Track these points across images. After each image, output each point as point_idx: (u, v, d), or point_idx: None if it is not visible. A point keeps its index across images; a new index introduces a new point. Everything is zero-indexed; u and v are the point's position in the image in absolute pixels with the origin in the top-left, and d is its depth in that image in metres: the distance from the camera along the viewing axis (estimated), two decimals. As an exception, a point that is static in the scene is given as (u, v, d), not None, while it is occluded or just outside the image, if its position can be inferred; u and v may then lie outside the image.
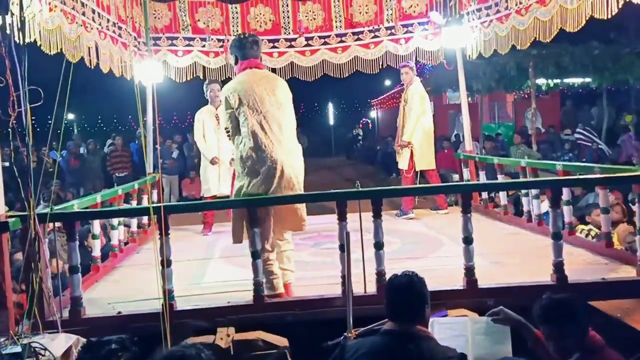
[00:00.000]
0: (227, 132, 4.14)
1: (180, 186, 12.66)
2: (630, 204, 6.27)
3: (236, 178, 4.18)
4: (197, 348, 1.94)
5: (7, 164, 3.82)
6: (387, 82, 29.74)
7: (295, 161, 4.07)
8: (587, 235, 5.44)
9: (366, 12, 7.30)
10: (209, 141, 6.89)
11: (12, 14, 3.58)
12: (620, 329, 3.66)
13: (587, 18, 4.78)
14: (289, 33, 7.34)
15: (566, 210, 5.11)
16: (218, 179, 6.83)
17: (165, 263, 3.82)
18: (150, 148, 7.30)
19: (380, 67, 7.47)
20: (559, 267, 3.96)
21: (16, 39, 3.60)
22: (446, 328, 2.96)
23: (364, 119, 34.46)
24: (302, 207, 4.10)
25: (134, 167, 12.23)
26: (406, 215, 7.02)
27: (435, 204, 7.26)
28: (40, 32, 4.22)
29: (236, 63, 4.21)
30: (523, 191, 6.06)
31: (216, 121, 6.83)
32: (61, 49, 4.67)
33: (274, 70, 7.41)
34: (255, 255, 3.87)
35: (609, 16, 4.50)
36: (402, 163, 7.14)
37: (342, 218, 3.87)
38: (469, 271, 3.96)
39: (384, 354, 2.46)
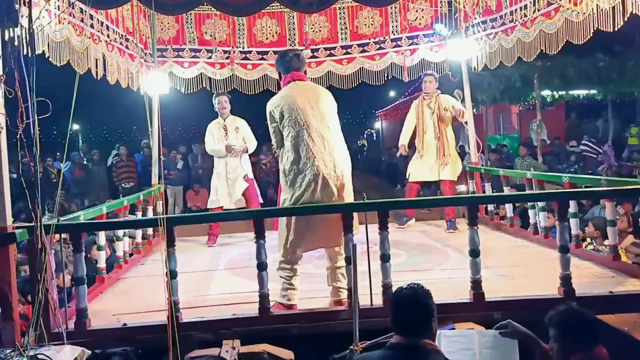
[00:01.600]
0: (273, 146, 4.17)
1: (184, 197, 12.66)
2: (638, 217, 6.27)
3: (282, 191, 4.18)
4: (207, 358, 1.94)
5: (14, 175, 3.82)
6: (392, 93, 29.79)
7: (339, 172, 4.03)
8: (586, 247, 5.44)
9: (371, 24, 7.34)
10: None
11: (22, 27, 3.61)
12: (627, 342, 3.62)
13: (592, 31, 4.80)
14: (295, 45, 7.37)
15: (573, 222, 5.08)
16: (226, 191, 6.79)
17: (171, 275, 3.81)
18: (155, 159, 7.31)
19: (386, 78, 7.49)
20: (566, 280, 3.93)
21: (25, 51, 3.63)
22: (453, 341, 2.93)
23: (368, 130, 34.48)
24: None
25: (139, 178, 12.25)
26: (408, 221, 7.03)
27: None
28: (49, 44, 4.26)
29: (280, 79, 4.27)
30: (529, 203, 6.03)
31: (225, 132, 6.86)
32: (69, 61, 4.71)
33: (279, 81, 7.44)
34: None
35: (615, 29, 4.52)
36: (453, 173, 6.96)
37: (348, 230, 3.86)
38: (476, 284, 3.93)
39: None
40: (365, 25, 7.35)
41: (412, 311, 2.52)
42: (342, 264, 4.01)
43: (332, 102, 4.18)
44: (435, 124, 6.94)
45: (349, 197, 4.11)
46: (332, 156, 4.01)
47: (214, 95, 7.01)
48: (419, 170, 7.06)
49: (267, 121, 4.13)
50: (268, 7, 6.35)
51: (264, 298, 3.87)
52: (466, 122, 7.16)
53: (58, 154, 10.67)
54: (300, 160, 3.94)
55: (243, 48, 7.36)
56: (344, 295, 3.99)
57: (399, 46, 7.32)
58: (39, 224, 3.55)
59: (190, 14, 7.13)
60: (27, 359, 3.15)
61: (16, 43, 3.58)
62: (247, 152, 6.93)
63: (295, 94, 4.04)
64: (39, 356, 3.19)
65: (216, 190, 6.87)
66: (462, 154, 13.28)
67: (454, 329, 3.44)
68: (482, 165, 8.61)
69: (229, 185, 6.82)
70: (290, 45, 7.37)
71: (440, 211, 7.29)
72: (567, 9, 4.97)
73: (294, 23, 7.38)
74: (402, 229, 6.94)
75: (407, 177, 7.20)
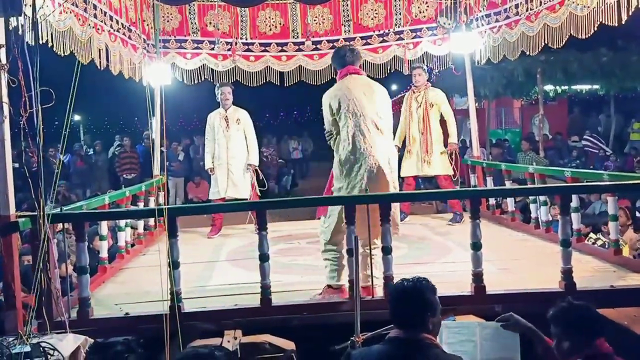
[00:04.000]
0: (329, 136, 4.18)
1: (185, 189, 12.68)
2: (638, 212, 6.28)
3: (335, 180, 4.17)
4: (210, 348, 1.96)
5: (16, 165, 3.82)
6: (394, 87, 29.69)
7: (392, 163, 4.17)
8: (593, 243, 5.43)
9: (375, 17, 7.31)
10: (219, 145, 6.82)
11: (25, 16, 3.60)
12: (628, 337, 3.63)
13: (597, 25, 4.78)
14: (298, 37, 7.35)
15: (575, 217, 5.08)
16: (226, 183, 6.75)
17: (173, 265, 3.83)
18: (157, 150, 7.31)
19: (388, 71, 7.47)
20: (567, 274, 3.94)
21: (28, 40, 3.63)
22: (455, 332, 2.94)
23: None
24: (394, 212, 4.09)
25: (141, 169, 12.26)
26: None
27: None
28: (52, 33, 4.25)
29: (337, 73, 4.34)
30: (531, 198, 6.03)
31: (226, 124, 6.80)
32: (72, 51, 4.70)
33: (282, 73, 7.44)
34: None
35: (620, 23, 4.50)
36: (443, 169, 6.89)
37: (350, 222, 3.87)
38: (477, 277, 3.94)
39: None
40: (369, 17, 7.32)
41: (410, 304, 2.50)
42: (374, 252, 4.05)
43: (387, 96, 4.29)
44: (421, 118, 6.94)
45: (396, 189, 4.23)
46: (386, 148, 4.12)
47: (217, 86, 6.98)
48: (408, 165, 7.04)
49: (324, 112, 4.17)
50: (271, -1, 6.35)
51: (266, 289, 3.89)
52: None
53: (58, 145, 10.67)
54: (357, 151, 3.99)
55: (246, 39, 7.34)
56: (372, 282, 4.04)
57: (402, 39, 7.30)
58: (41, 212, 3.55)
59: (193, 4, 7.11)
60: (30, 347, 3.17)
61: (20, 32, 3.58)
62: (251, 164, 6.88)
63: (351, 86, 4.12)
64: (42, 344, 3.21)
65: (216, 182, 6.83)
66: (463, 148, 13.31)
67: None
68: (484, 160, 8.61)
69: (230, 176, 6.76)
70: (294, 37, 7.35)
71: (437, 206, 7.31)
72: (572, 2, 4.95)
73: (296, 15, 7.35)
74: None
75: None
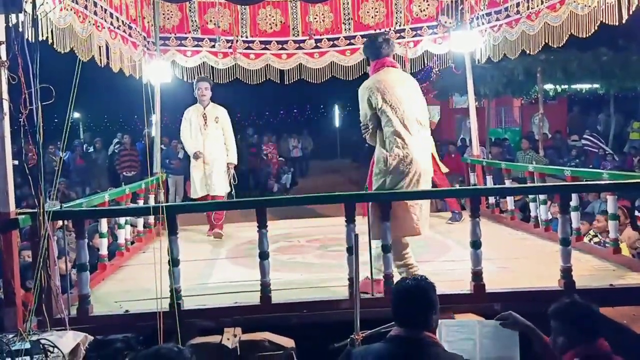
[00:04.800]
0: (365, 129, 4.10)
1: (185, 187, 12.68)
2: (638, 211, 6.28)
3: (374, 175, 4.09)
4: (178, 347, 1.97)
5: (16, 162, 3.82)
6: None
7: (428, 159, 4.16)
8: (590, 240, 5.45)
9: (375, 15, 7.31)
10: (195, 141, 6.63)
11: (26, 12, 3.60)
12: (627, 336, 3.64)
13: (597, 24, 4.78)
14: (298, 35, 7.35)
15: (574, 216, 5.09)
16: (203, 180, 6.58)
17: (173, 262, 3.83)
18: (156, 148, 7.31)
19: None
20: (566, 272, 3.95)
21: (28, 37, 3.63)
22: (454, 331, 2.94)
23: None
24: (418, 211, 4.04)
25: (141, 167, 12.27)
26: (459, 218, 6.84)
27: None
28: (52, 30, 4.25)
29: (368, 63, 4.26)
30: (531, 196, 6.04)
31: (203, 120, 6.58)
32: (72, 48, 4.70)
33: (281, 71, 7.44)
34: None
35: (620, 22, 4.50)
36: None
37: (350, 220, 3.88)
38: (477, 276, 3.95)
39: None
40: (369, 15, 7.31)
41: (415, 303, 2.51)
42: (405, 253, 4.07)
43: (419, 89, 4.26)
44: None
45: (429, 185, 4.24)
46: (427, 142, 4.13)
47: (195, 80, 6.78)
48: None
49: (361, 105, 4.08)
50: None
51: (265, 287, 3.89)
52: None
53: (58, 143, 10.67)
54: (401, 147, 3.92)
55: (246, 37, 7.33)
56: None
57: (403, 37, 7.29)
58: (41, 210, 3.55)
59: (194, 2, 7.11)
60: (30, 344, 3.17)
61: (20, 29, 3.57)
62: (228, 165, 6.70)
63: (390, 79, 4.04)
64: (42, 341, 3.21)
65: (193, 180, 6.70)
66: (463, 147, 13.31)
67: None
68: (484, 159, 8.61)
69: (206, 175, 6.58)
70: (294, 35, 7.34)
71: (436, 204, 7.31)
72: (573, 1, 4.95)
73: (297, 13, 7.35)
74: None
75: None
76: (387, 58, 4.16)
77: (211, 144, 6.58)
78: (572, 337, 2.58)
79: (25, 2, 3.59)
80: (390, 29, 7.27)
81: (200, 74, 7.34)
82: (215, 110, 6.68)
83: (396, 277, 3.89)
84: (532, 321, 2.91)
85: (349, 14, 7.33)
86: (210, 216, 6.64)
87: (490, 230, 6.10)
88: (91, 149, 14.22)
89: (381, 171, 4.00)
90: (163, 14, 7.09)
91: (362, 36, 7.32)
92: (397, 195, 3.99)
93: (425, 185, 4.06)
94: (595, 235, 5.63)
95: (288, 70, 7.42)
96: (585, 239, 5.48)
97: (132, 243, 6.04)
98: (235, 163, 6.80)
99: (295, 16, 7.34)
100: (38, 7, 3.72)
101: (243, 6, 7.11)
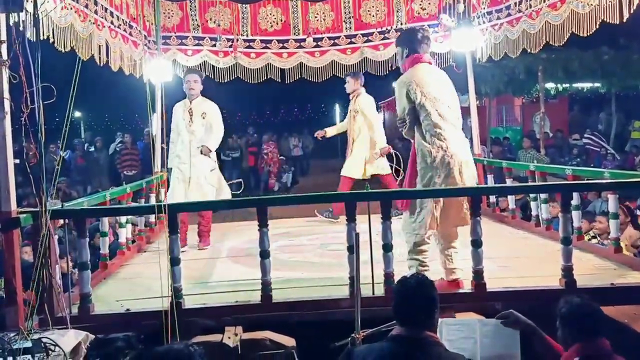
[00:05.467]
0: (401, 124, 4.11)
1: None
2: (639, 210, 6.28)
3: (420, 170, 4.07)
4: (185, 344, 1.94)
5: (18, 160, 3.83)
6: (395, 84, 29.66)
7: (468, 151, 4.18)
8: (590, 239, 5.45)
9: (376, 14, 7.30)
10: (181, 141, 5.89)
11: (27, 11, 3.60)
12: (628, 335, 3.64)
13: (598, 23, 4.77)
14: (299, 34, 7.34)
15: (575, 215, 5.09)
16: (187, 186, 5.79)
17: (173, 261, 3.83)
18: (157, 147, 7.30)
19: (390, 69, 7.46)
20: (567, 271, 3.94)
21: (29, 36, 3.63)
22: (455, 329, 2.94)
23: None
24: (466, 202, 4.07)
25: (142, 166, 12.27)
26: (334, 218, 6.97)
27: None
28: (53, 29, 4.25)
29: (404, 56, 4.21)
30: (532, 195, 6.03)
31: (189, 117, 5.85)
32: (73, 47, 4.70)
33: (282, 70, 7.44)
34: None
35: (621, 21, 4.49)
36: (383, 168, 7.06)
37: (351, 219, 3.88)
38: (478, 274, 3.95)
39: None
40: (370, 14, 7.31)
41: (416, 302, 2.50)
42: (454, 245, 4.11)
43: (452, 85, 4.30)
44: (351, 123, 7.12)
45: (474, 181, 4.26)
46: (463, 137, 4.14)
47: (184, 73, 6.32)
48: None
49: (398, 100, 4.09)
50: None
51: (266, 286, 3.89)
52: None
53: (58, 142, 10.67)
54: (445, 143, 3.95)
55: (247, 36, 7.33)
56: (457, 275, 4.07)
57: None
58: (43, 208, 3.56)
59: (194, 1, 7.11)
60: (31, 342, 3.17)
61: (21, 28, 3.57)
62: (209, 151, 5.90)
63: (429, 75, 4.08)
64: (43, 340, 3.21)
65: (172, 192, 5.85)
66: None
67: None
68: (485, 158, 8.61)
69: (187, 188, 5.81)
70: (294, 34, 7.34)
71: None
72: (574, 0, 4.94)
73: (297, 12, 7.34)
74: (336, 222, 6.83)
75: None
76: (424, 54, 4.17)
77: (197, 143, 5.84)
78: (574, 334, 2.58)
79: (27, 1, 3.59)
80: (391, 28, 7.28)
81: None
82: (203, 104, 5.96)
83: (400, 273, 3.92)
84: (533, 320, 2.91)
85: (349, 12, 7.33)
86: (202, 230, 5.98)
87: (491, 229, 6.09)
88: (92, 149, 14.22)
89: (427, 165, 4.00)
90: (164, 13, 7.10)
91: (363, 35, 7.33)
92: (396, 194, 3.99)
93: (469, 176, 4.08)
94: (594, 237, 5.62)
95: (289, 69, 7.42)
96: (585, 239, 5.47)
97: (133, 242, 6.05)
98: (210, 149, 5.88)
99: (296, 15, 7.34)
100: (39, 6, 3.72)
101: (244, 5, 7.12)
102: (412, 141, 4.12)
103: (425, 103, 3.95)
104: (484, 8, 6.54)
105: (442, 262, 4.14)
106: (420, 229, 4.02)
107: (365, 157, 7.03)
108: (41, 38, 3.82)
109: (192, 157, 5.80)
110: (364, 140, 7.03)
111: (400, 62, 4.27)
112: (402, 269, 3.92)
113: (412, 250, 4.09)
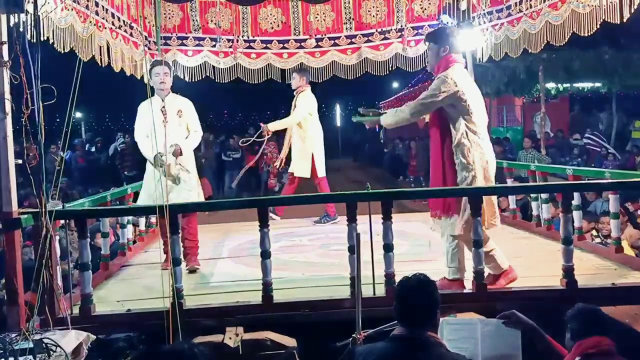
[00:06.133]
0: (420, 111, 4.15)
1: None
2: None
3: (459, 167, 4.09)
4: (190, 344, 1.93)
5: (20, 161, 3.83)
6: (396, 84, 29.77)
7: (492, 153, 4.29)
8: (592, 240, 5.45)
9: (376, 14, 7.30)
10: (156, 142, 4.74)
11: (27, 13, 3.60)
12: (629, 335, 3.64)
13: (599, 23, 4.77)
14: (299, 34, 7.34)
15: (576, 215, 5.09)
16: (161, 189, 4.46)
17: (174, 262, 3.84)
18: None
19: (390, 69, 7.45)
20: (568, 271, 3.94)
21: (30, 37, 3.63)
22: (456, 329, 2.94)
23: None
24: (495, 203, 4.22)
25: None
26: (333, 220, 7.01)
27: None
28: (53, 30, 4.25)
29: (440, 54, 4.18)
30: (532, 195, 6.03)
31: (162, 115, 4.86)
32: (73, 48, 4.70)
33: (282, 71, 7.44)
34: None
35: (622, 21, 4.49)
36: (303, 170, 7.17)
37: (351, 220, 3.88)
38: (478, 275, 3.95)
39: None
40: (370, 14, 7.30)
41: (418, 302, 2.50)
42: (490, 247, 4.15)
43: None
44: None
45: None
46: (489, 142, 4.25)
47: (149, 66, 5.31)
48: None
49: (435, 94, 4.03)
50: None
51: (267, 286, 3.89)
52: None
53: (59, 142, 10.67)
54: (481, 142, 4.08)
55: (247, 37, 7.33)
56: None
57: (404, 36, 7.28)
58: (44, 209, 3.56)
59: (195, 1, 7.10)
60: (32, 343, 3.18)
61: (21, 29, 3.58)
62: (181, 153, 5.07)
63: (467, 76, 4.21)
64: (45, 340, 3.22)
65: (149, 188, 5.14)
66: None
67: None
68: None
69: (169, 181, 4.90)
70: (295, 34, 7.33)
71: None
72: (574, 0, 4.93)
73: (298, 12, 7.33)
74: (337, 222, 6.86)
75: None
76: (458, 54, 4.23)
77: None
78: (579, 333, 2.59)
79: (27, 2, 3.60)
80: (391, 28, 7.28)
81: (202, 73, 7.34)
82: (176, 100, 5.22)
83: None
84: (534, 320, 2.91)
85: (350, 13, 7.32)
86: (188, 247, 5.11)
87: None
88: (93, 149, 14.25)
89: (465, 164, 4.05)
90: (164, 14, 7.09)
91: (363, 35, 7.32)
92: (397, 195, 3.99)
93: (493, 175, 4.20)
94: (598, 236, 5.62)
95: (289, 69, 7.42)
96: (591, 239, 5.47)
97: (135, 242, 6.05)
98: (182, 150, 5.06)
99: (296, 15, 7.33)
100: (39, 7, 3.73)
101: (244, 6, 7.10)
102: (441, 141, 4.12)
103: (470, 103, 4.02)
104: (484, 8, 6.53)
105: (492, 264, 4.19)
106: (459, 228, 4.09)
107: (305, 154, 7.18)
108: (41, 39, 3.83)
109: (169, 159, 4.92)
110: (301, 136, 7.22)
111: (433, 60, 4.25)
112: (403, 269, 3.91)
113: (450, 244, 4.17)
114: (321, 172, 7.20)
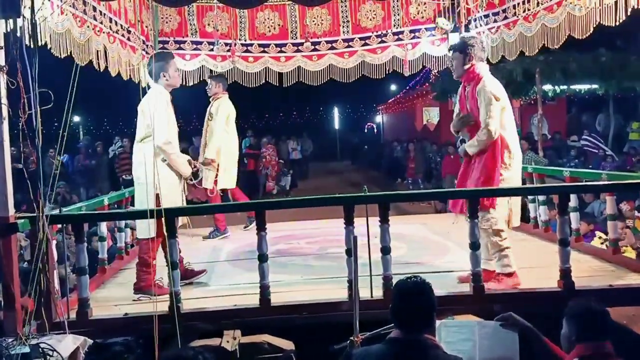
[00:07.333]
0: (466, 123, 4.42)
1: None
2: (637, 211, 6.29)
3: (501, 165, 4.27)
4: (196, 350, 1.93)
5: (20, 165, 3.83)
6: (393, 87, 29.85)
7: None
8: (602, 243, 5.44)
9: (373, 17, 7.32)
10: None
11: (24, 17, 3.61)
12: (626, 336, 3.65)
13: (595, 25, 4.79)
14: (296, 38, 7.36)
15: (573, 217, 5.10)
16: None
17: (172, 265, 3.84)
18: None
19: (387, 72, 7.47)
20: (566, 273, 3.95)
21: (27, 42, 3.64)
22: (454, 331, 2.95)
23: (369, 124, 34.48)
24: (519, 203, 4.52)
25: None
26: (224, 234, 6.76)
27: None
28: (50, 35, 4.25)
29: (468, 62, 4.39)
30: (530, 197, 6.04)
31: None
32: (70, 52, 4.70)
33: (280, 74, 7.45)
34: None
35: (617, 23, 4.51)
36: (207, 182, 6.59)
37: (349, 222, 3.88)
38: (476, 277, 3.95)
39: None
40: (367, 18, 7.32)
41: (415, 305, 2.50)
42: (508, 244, 4.23)
43: None
44: (206, 126, 6.82)
45: None
46: None
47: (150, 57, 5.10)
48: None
49: (485, 105, 4.22)
50: (270, 0, 6.32)
51: (265, 289, 3.89)
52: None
53: (55, 146, 10.67)
54: (517, 143, 4.36)
55: (245, 41, 7.34)
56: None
57: (401, 40, 7.30)
58: (41, 214, 3.56)
59: (192, 5, 7.10)
60: (29, 348, 3.17)
61: (18, 34, 3.58)
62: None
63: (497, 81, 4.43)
64: (41, 345, 3.21)
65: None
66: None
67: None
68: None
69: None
70: (292, 38, 7.35)
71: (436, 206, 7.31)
72: (570, 2, 4.96)
73: (295, 16, 7.35)
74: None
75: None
76: (482, 63, 4.45)
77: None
78: (579, 335, 2.59)
79: (24, 7, 3.60)
80: (388, 31, 7.29)
81: (200, 77, 7.35)
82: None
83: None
84: (531, 322, 2.91)
85: (347, 16, 7.34)
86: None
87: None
88: (88, 153, 14.24)
89: (506, 166, 4.25)
90: (162, 18, 7.11)
91: (360, 38, 7.34)
92: (394, 197, 4.00)
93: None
94: (607, 240, 5.61)
95: (287, 72, 7.43)
96: (598, 242, 5.46)
97: (132, 246, 6.04)
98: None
99: (293, 19, 7.35)
100: (36, 11, 3.73)
101: (241, 9, 7.12)
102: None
103: (508, 108, 4.29)
104: (480, 11, 6.55)
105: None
106: (496, 225, 4.21)
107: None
108: (39, 44, 3.83)
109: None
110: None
111: (461, 68, 4.42)
112: (400, 271, 3.92)
113: (497, 239, 4.19)
114: (222, 183, 6.74)
